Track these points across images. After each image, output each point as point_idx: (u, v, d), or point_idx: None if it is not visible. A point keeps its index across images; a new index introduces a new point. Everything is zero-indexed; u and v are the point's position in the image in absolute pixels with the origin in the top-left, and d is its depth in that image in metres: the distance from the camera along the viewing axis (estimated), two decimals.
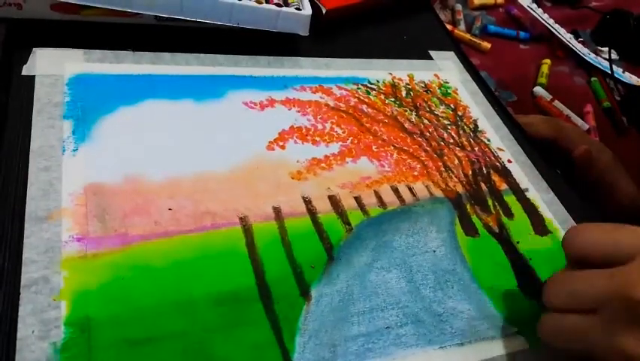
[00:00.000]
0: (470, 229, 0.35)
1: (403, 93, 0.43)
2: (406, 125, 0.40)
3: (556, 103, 0.59)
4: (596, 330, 0.24)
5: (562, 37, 0.65)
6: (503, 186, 0.39)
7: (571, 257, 0.28)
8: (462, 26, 0.63)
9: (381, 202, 0.34)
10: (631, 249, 0.24)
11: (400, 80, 0.44)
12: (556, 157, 0.49)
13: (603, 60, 0.67)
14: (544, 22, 0.65)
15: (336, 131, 0.37)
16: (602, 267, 0.25)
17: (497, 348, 0.29)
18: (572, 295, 0.26)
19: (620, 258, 0.24)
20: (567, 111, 0.59)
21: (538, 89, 0.60)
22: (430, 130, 0.41)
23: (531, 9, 0.66)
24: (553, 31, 0.65)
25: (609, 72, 0.64)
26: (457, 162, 0.39)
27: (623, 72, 0.66)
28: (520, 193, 0.39)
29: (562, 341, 0.26)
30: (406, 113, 0.42)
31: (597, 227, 0.27)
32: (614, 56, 0.67)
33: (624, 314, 0.23)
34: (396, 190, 0.35)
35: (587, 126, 0.59)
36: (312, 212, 0.32)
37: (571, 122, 0.58)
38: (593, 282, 0.25)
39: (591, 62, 0.65)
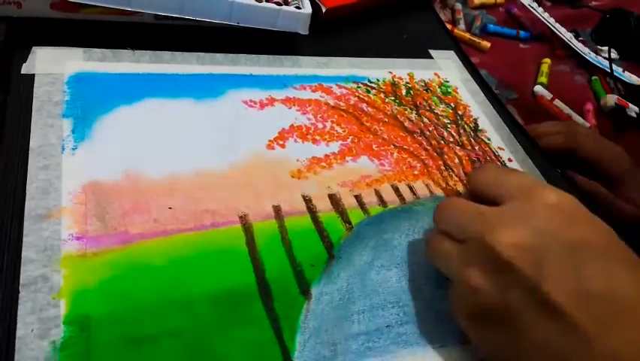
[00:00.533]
0: None
1: (403, 92, 0.43)
2: (406, 124, 0.40)
3: (557, 102, 0.59)
4: (457, 260, 0.26)
5: (562, 37, 0.65)
6: None
7: (469, 189, 0.30)
8: (462, 25, 0.63)
9: (382, 201, 0.34)
10: (507, 193, 0.27)
11: (400, 78, 0.44)
12: (576, 166, 0.49)
13: (603, 59, 0.66)
14: (544, 21, 0.65)
15: (337, 130, 0.37)
16: (488, 204, 0.27)
17: None
18: (450, 223, 0.28)
19: (497, 199, 0.27)
20: (568, 110, 0.59)
21: (538, 88, 0.60)
22: (430, 129, 0.41)
23: (532, 8, 0.66)
24: (554, 30, 0.65)
25: (609, 71, 0.64)
26: (457, 160, 0.39)
27: (623, 71, 0.66)
28: None
29: (437, 263, 0.28)
30: (406, 112, 0.41)
31: (495, 168, 0.29)
32: (614, 55, 0.67)
33: (478, 251, 0.25)
34: (396, 189, 0.35)
35: (587, 125, 0.59)
36: (312, 211, 0.32)
37: (571, 122, 0.58)
38: (467, 216, 0.27)
39: (591, 61, 0.65)
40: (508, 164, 0.41)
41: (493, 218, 0.26)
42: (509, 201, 0.26)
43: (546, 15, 0.66)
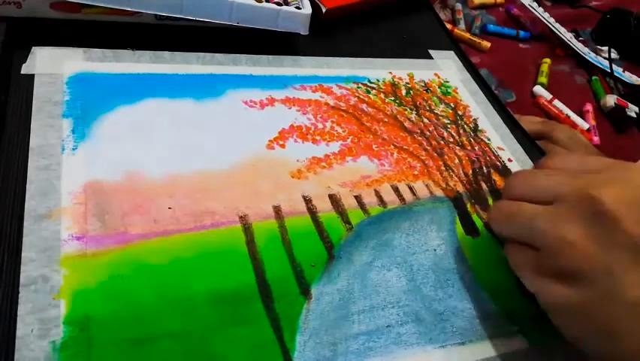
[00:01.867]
0: (470, 228, 0.35)
1: (403, 92, 0.43)
2: (406, 124, 0.40)
3: (556, 102, 0.59)
4: (546, 218, 0.25)
5: (562, 37, 0.65)
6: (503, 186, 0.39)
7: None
8: (462, 25, 0.63)
9: (382, 201, 0.34)
10: (595, 167, 0.27)
11: (400, 79, 0.44)
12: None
13: (603, 60, 0.66)
14: (544, 20, 0.65)
15: (337, 130, 0.37)
16: None
17: (498, 347, 0.29)
18: (534, 188, 0.27)
19: (585, 171, 0.27)
20: (567, 111, 0.59)
21: (538, 89, 0.60)
22: (430, 129, 0.41)
23: (532, 8, 0.66)
24: (554, 30, 0.65)
25: (609, 71, 0.64)
26: (457, 161, 0.39)
27: (624, 71, 0.66)
28: None
29: (506, 226, 0.28)
30: (406, 112, 0.41)
31: (569, 153, 0.30)
32: (614, 55, 0.67)
33: (577, 208, 0.24)
34: (396, 189, 0.35)
35: (586, 126, 0.59)
36: (312, 211, 0.32)
37: (570, 122, 0.58)
38: (557, 179, 0.26)
39: (591, 61, 0.65)
40: (508, 164, 0.41)
41: (592, 177, 0.25)
42: (603, 171, 0.26)
43: (546, 15, 0.66)
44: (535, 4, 0.66)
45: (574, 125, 0.58)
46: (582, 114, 0.60)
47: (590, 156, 0.28)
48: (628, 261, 0.23)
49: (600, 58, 0.67)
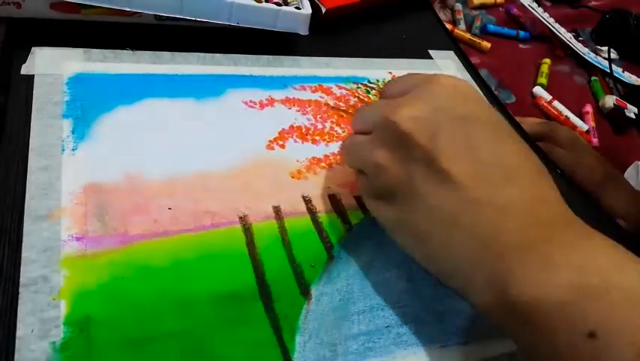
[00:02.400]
0: None
1: None
2: None
3: (556, 103, 0.59)
4: (365, 146, 0.28)
5: (562, 37, 0.65)
6: None
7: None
8: (462, 26, 0.63)
9: None
10: (411, 85, 0.28)
11: None
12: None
13: (603, 60, 0.66)
14: (544, 21, 0.65)
15: (336, 131, 0.37)
16: None
17: (498, 347, 0.29)
18: (362, 119, 0.30)
19: (403, 93, 0.28)
20: (566, 112, 0.59)
21: (537, 90, 0.60)
22: None
23: (531, 8, 0.66)
24: (554, 30, 0.65)
25: (609, 72, 0.64)
26: None
27: (623, 72, 0.66)
28: None
29: (349, 158, 0.31)
30: None
31: (405, 75, 0.31)
32: (614, 55, 0.67)
33: (383, 132, 0.27)
34: None
35: (586, 127, 0.59)
36: (312, 211, 0.32)
37: (569, 124, 0.58)
38: (374, 110, 0.29)
39: (591, 61, 0.65)
40: None
41: (396, 102, 0.27)
42: (412, 90, 0.28)
43: (546, 15, 0.66)
44: (534, 5, 0.66)
45: (573, 127, 0.58)
46: (582, 115, 0.60)
47: (409, 75, 0.30)
48: (424, 172, 0.25)
49: (600, 58, 0.67)
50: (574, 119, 0.59)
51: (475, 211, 0.24)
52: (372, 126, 0.28)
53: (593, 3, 0.74)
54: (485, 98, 0.28)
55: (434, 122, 0.26)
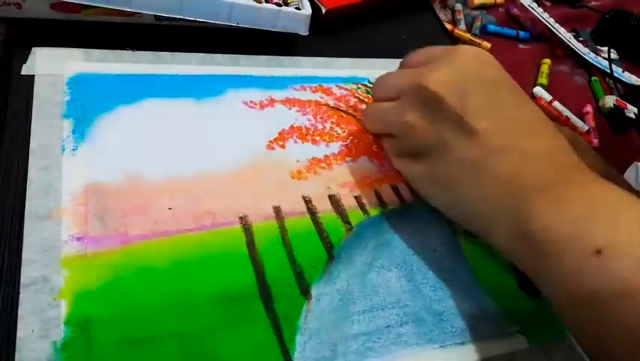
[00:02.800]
0: None
1: None
2: None
3: (556, 104, 0.59)
4: (395, 111, 0.31)
5: (562, 37, 0.65)
6: None
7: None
8: (462, 26, 0.63)
9: (382, 201, 0.34)
10: (435, 55, 0.31)
11: None
12: None
13: (603, 60, 0.66)
14: (544, 21, 0.65)
15: (336, 131, 0.37)
16: None
17: (498, 347, 0.29)
18: (385, 88, 0.33)
19: (427, 63, 0.31)
20: (567, 112, 0.59)
21: (538, 90, 0.60)
22: None
23: (531, 8, 0.66)
24: (553, 30, 0.65)
25: (609, 72, 0.64)
26: None
27: (623, 72, 0.66)
28: None
29: (374, 124, 0.34)
30: None
31: (422, 49, 0.34)
32: (614, 55, 0.67)
33: (413, 96, 0.30)
34: (396, 189, 0.35)
35: (586, 127, 0.59)
36: (312, 211, 0.32)
37: (570, 124, 0.58)
38: (400, 76, 0.32)
39: (591, 61, 0.65)
40: None
41: (425, 67, 0.30)
42: (438, 60, 0.30)
43: (546, 15, 0.66)
44: (534, 5, 0.66)
45: (574, 128, 0.58)
46: (582, 115, 0.60)
47: (432, 48, 0.33)
48: (453, 128, 0.28)
49: (600, 58, 0.67)
50: (574, 119, 0.59)
51: (498, 158, 0.27)
52: (398, 93, 0.31)
53: (593, 3, 0.74)
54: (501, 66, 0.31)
55: (462, 84, 0.28)
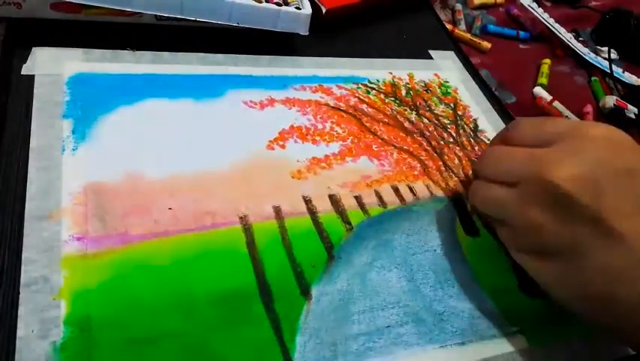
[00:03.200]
0: (470, 229, 0.35)
1: (403, 92, 0.43)
2: (406, 124, 0.40)
3: (556, 104, 0.59)
4: (514, 202, 0.27)
5: (562, 37, 0.65)
6: None
7: (504, 142, 0.31)
8: (462, 26, 0.63)
9: (382, 202, 0.34)
10: (553, 136, 0.27)
11: (400, 79, 0.44)
12: None
13: (603, 60, 0.66)
14: (544, 21, 0.65)
15: (336, 131, 0.37)
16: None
17: (498, 347, 0.29)
18: (497, 169, 0.29)
19: (543, 144, 0.27)
20: (567, 112, 0.59)
21: (538, 90, 0.60)
22: (430, 129, 0.41)
23: (531, 8, 0.66)
24: (554, 30, 0.65)
25: (609, 72, 0.64)
26: (457, 161, 0.39)
27: (623, 72, 0.66)
28: None
29: (487, 209, 0.30)
30: (406, 112, 0.41)
31: (530, 120, 0.30)
32: (614, 55, 0.67)
33: (537, 191, 0.26)
34: (396, 190, 0.35)
35: None
36: (312, 211, 0.32)
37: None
38: (516, 159, 0.28)
39: (591, 61, 0.65)
40: None
41: (546, 157, 0.26)
42: (557, 143, 0.27)
43: (546, 15, 0.66)
44: (534, 5, 0.66)
45: None
46: (582, 115, 0.60)
47: (545, 122, 0.29)
48: (590, 232, 0.25)
49: (600, 58, 0.67)
50: (574, 119, 0.59)
51: None
52: (514, 178, 0.27)
53: (593, 3, 0.74)
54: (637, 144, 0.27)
55: (596, 179, 0.25)
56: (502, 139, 0.31)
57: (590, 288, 0.25)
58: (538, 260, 0.27)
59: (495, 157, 0.29)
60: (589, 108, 0.61)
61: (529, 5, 0.66)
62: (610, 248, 0.24)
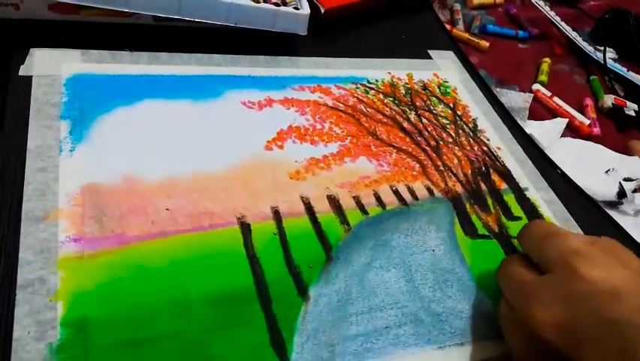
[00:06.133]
0: (469, 229, 0.35)
1: (402, 92, 0.43)
2: (405, 124, 0.40)
3: (556, 99, 0.59)
4: (507, 320, 0.27)
5: (568, 34, 0.65)
6: (503, 186, 0.39)
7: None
8: (461, 26, 0.63)
9: (380, 202, 0.34)
10: (548, 262, 0.26)
11: (399, 79, 0.44)
12: None
13: (607, 58, 0.66)
14: (550, 18, 0.65)
15: (335, 131, 0.37)
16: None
17: (496, 348, 0.29)
18: (501, 286, 0.28)
19: (540, 266, 0.27)
20: (566, 107, 0.59)
21: (536, 86, 0.60)
22: (429, 129, 0.41)
23: (537, 4, 0.66)
24: (560, 27, 0.65)
25: (608, 71, 0.64)
26: (456, 161, 0.39)
27: (628, 71, 0.66)
28: (519, 192, 0.39)
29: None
30: (405, 112, 0.41)
31: (539, 229, 0.29)
32: (612, 55, 0.67)
33: (521, 322, 0.26)
34: (395, 190, 0.35)
35: (587, 121, 0.58)
36: (310, 212, 0.31)
37: (569, 116, 0.58)
38: (513, 284, 0.27)
39: (595, 58, 0.65)
40: (507, 164, 0.40)
41: (533, 291, 0.26)
42: (550, 273, 0.26)
43: (553, 13, 0.66)
44: (541, 2, 0.66)
45: (573, 119, 0.57)
46: (582, 109, 0.60)
47: (546, 241, 0.27)
48: None
49: (600, 58, 0.66)
50: (574, 112, 0.58)
51: None
52: (510, 303, 0.27)
53: (593, 3, 0.74)
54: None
55: (577, 330, 0.23)
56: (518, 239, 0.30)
57: None
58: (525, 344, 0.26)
59: (500, 275, 0.29)
60: (588, 101, 0.61)
61: (535, 2, 0.66)
62: None
